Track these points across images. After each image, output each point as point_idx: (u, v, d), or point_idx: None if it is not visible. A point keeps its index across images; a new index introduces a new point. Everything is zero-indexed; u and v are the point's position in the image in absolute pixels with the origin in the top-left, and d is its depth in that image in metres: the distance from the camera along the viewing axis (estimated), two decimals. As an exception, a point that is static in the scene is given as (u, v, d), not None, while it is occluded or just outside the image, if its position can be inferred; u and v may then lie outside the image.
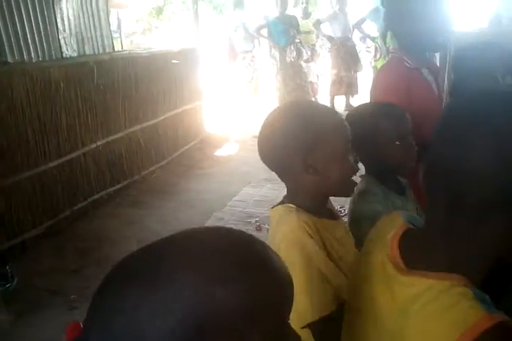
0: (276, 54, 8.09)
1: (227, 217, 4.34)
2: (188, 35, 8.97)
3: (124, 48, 9.66)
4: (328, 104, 8.05)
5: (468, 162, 0.69)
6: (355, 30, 7.85)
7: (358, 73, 8.04)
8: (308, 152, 1.16)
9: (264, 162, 1.24)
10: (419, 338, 0.70)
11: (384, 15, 2.08)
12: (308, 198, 1.22)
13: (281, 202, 1.25)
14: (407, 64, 1.88)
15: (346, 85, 7.96)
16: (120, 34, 10.91)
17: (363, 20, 7.72)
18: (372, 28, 7.90)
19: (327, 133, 1.18)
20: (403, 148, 1.49)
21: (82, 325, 2.06)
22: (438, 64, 6.10)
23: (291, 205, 1.20)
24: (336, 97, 8.25)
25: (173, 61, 6.18)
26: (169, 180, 5.38)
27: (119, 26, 11.07)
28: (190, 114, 6.58)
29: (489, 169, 0.68)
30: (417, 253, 0.77)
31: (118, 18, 11.16)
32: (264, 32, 8.28)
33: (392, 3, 1.98)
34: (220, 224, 4.19)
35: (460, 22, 7.07)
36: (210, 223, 4.21)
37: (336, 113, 1.27)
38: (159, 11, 16.45)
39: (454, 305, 0.68)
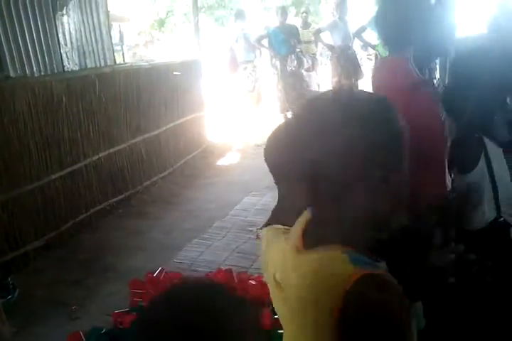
0: (277, 63, 8.15)
1: (228, 225, 4.36)
2: (189, 47, 9.05)
3: (126, 61, 9.76)
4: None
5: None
6: (356, 38, 7.89)
7: (358, 81, 8.07)
8: (385, 167, 0.87)
9: (286, 179, 0.93)
10: (314, 301, 0.82)
11: (384, 25, 2.09)
12: (357, 234, 0.90)
13: (313, 241, 0.89)
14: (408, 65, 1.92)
15: (347, 93, 7.99)
16: (122, 47, 11.02)
17: (363, 29, 7.75)
18: (373, 36, 7.95)
19: (379, 144, 0.87)
20: None
21: (82, 335, 2.09)
22: (438, 69, 6.15)
23: (340, 250, 0.87)
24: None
25: (174, 73, 6.24)
26: (172, 190, 5.41)
27: (121, 39, 11.18)
28: (192, 124, 6.64)
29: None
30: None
31: (120, 31, 11.28)
32: (265, 42, 8.34)
33: (397, 11, 2.02)
34: (222, 232, 4.22)
35: (459, 27, 7.10)
36: (211, 232, 4.23)
37: (389, 106, 0.93)
38: (161, 23, 16.60)
39: (333, 268, 0.82)
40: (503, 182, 2.03)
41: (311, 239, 0.88)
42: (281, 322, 0.98)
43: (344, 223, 0.86)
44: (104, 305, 3.14)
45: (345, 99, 0.88)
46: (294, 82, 8.17)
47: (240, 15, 8.54)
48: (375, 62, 8.01)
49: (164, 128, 5.92)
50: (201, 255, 3.79)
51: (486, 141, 2.06)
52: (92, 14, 5.56)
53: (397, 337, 0.79)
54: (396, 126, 0.88)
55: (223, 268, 3.18)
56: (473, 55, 2.69)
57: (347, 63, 7.85)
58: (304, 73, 8.32)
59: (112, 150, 4.94)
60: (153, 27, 16.68)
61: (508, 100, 2.87)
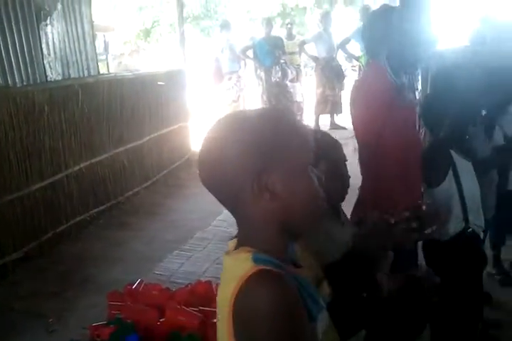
0: (262, 74, 8.22)
1: (209, 236, 4.35)
2: (175, 57, 9.07)
3: (112, 70, 9.74)
4: (314, 123, 8.15)
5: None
6: (340, 50, 7.98)
7: (342, 92, 8.14)
8: (263, 171, 0.90)
9: (207, 188, 0.97)
10: (223, 299, 0.89)
11: (367, 35, 2.18)
12: (268, 237, 0.93)
13: (237, 244, 0.96)
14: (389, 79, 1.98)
15: (331, 104, 8.07)
16: (107, 56, 11.00)
17: (347, 41, 7.85)
18: (357, 48, 8.04)
19: (286, 143, 0.91)
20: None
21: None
22: (420, 81, 6.24)
23: (249, 252, 0.91)
24: (321, 116, 8.34)
25: (158, 83, 6.25)
26: (154, 200, 5.40)
27: (105, 48, 11.17)
28: (175, 134, 6.63)
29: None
30: (237, 241, 0.97)
31: (105, 40, 11.28)
32: (250, 53, 8.41)
33: (376, 24, 2.10)
34: (203, 243, 4.21)
35: (442, 40, 7.21)
36: (192, 243, 4.22)
37: (287, 116, 0.98)
38: (147, 33, 16.64)
39: (237, 267, 0.88)
40: (472, 195, 2.08)
41: (236, 244, 0.97)
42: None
43: (251, 229, 0.93)
44: (82, 318, 3.11)
45: (239, 116, 0.98)
46: (278, 92, 8.24)
47: (225, 26, 8.61)
48: (359, 73, 8.11)
49: (147, 138, 5.92)
50: (181, 266, 3.78)
51: (455, 156, 2.10)
52: (76, 24, 5.56)
53: (278, 331, 0.81)
54: (284, 136, 0.91)
55: (203, 279, 3.16)
56: (457, 68, 2.75)
57: (331, 74, 7.95)
58: (289, 84, 8.39)
59: (93, 161, 4.92)
60: (138, 37, 16.70)
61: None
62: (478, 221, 2.15)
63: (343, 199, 1.61)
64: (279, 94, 8.16)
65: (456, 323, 2.24)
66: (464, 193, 2.09)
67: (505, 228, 3.47)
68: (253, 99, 8.79)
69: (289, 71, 8.29)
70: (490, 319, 2.83)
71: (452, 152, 2.14)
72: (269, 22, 8.46)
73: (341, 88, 8.16)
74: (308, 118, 8.33)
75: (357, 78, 7.91)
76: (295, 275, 0.91)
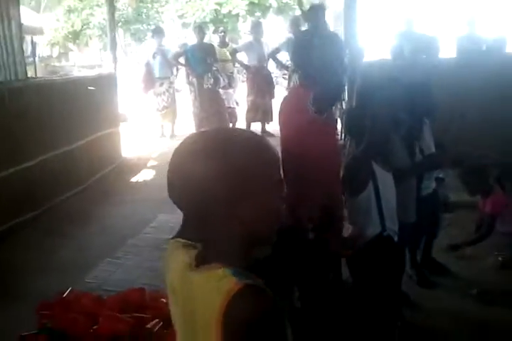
0: (194, 81, 8.28)
1: (141, 244, 4.36)
2: (105, 61, 8.96)
3: (38, 73, 9.48)
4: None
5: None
6: (270, 59, 8.19)
7: (273, 100, 8.34)
8: (234, 200, 0.94)
9: (176, 204, 1.01)
10: (204, 312, 0.94)
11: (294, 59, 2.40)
12: (237, 254, 0.98)
13: (201, 260, 1.00)
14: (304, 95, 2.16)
15: (262, 112, 8.24)
16: (34, 59, 10.69)
17: (277, 50, 8.07)
18: (287, 57, 8.28)
19: (259, 177, 0.96)
20: None
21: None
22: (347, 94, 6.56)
23: (223, 268, 0.95)
24: (252, 124, 8.50)
25: (88, 87, 6.18)
26: (84, 207, 5.32)
27: (33, 51, 10.85)
28: (106, 140, 6.58)
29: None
30: (200, 256, 1.01)
31: (32, 42, 10.95)
32: (182, 59, 8.46)
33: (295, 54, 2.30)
34: (135, 251, 4.22)
35: (369, 53, 7.58)
36: (124, 251, 4.22)
37: (264, 143, 1.02)
38: (76, 35, 16.26)
39: (217, 282, 0.93)
40: (388, 203, 2.28)
41: (200, 259, 1.00)
42: (175, 324, 1.09)
43: (219, 247, 0.98)
44: (6, 331, 3.03)
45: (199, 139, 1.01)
46: (210, 99, 8.33)
47: (157, 31, 8.63)
48: (289, 82, 8.34)
49: (77, 143, 5.84)
50: (113, 274, 3.78)
51: (375, 166, 2.28)
52: (3, 26, 5.41)
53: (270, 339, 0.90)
54: (238, 161, 0.94)
55: (136, 287, 3.19)
56: (378, 84, 2.96)
57: (262, 83, 8.13)
58: (221, 91, 8.50)
59: (22, 166, 4.81)
60: (67, 39, 16.29)
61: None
62: (393, 226, 2.36)
63: None
64: (211, 101, 8.25)
65: (375, 322, 2.43)
66: (382, 201, 2.27)
67: (419, 232, 3.73)
68: (185, 105, 8.84)
69: (221, 78, 8.41)
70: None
71: (373, 162, 2.32)
72: (201, 29, 8.55)
73: (272, 96, 8.35)
74: (240, 125, 8.48)
75: (286, 93, 8.15)
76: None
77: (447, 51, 7.57)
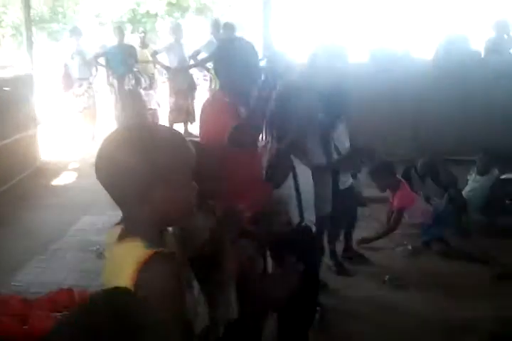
0: (115, 82, 8.23)
1: (65, 246, 4.33)
2: (20, 61, 8.69)
3: None
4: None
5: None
6: (191, 60, 8.28)
7: (195, 101, 8.44)
8: (147, 186, 1.11)
9: (104, 188, 1.17)
10: (119, 278, 1.07)
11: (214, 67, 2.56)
12: (149, 229, 1.15)
13: (122, 234, 1.17)
14: (226, 99, 2.31)
15: (185, 113, 8.31)
16: None
17: (198, 52, 8.18)
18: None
19: (168, 168, 1.12)
20: None
21: None
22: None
23: (139, 241, 1.12)
24: (175, 124, 8.55)
25: (3, 88, 6.01)
26: (3, 212, 5.17)
27: None
28: (24, 142, 6.41)
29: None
30: (124, 232, 1.18)
31: None
32: (102, 60, 8.37)
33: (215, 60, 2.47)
34: (60, 253, 4.19)
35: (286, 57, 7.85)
36: (48, 253, 4.18)
37: (181, 140, 1.18)
38: (-13, 33, 15.55)
39: (131, 251, 1.11)
40: (307, 196, 2.51)
41: (123, 234, 1.17)
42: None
43: (136, 224, 1.16)
44: None
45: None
46: (132, 100, 8.28)
47: (75, 31, 8.47)
48: (210, 83, 8.48)
49: (-7, 146, 5.66)
50: (39, 276, 3.74)
51: (296, 161, 2.49)
52: None
53: (169, 297, 1.06)
54: (154, 152, 1.12)
55: (63, 287, 3.20)
56: (294, 89, 3.19)
57: (183, 84, 8.21)
58: (142, 92, 8.48)
59: None
60: (-23, 38, 15.54)
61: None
62: (310, 216, 2.58)
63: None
64: (133, 102, 8.21)
65: (295, 309, 2.62)
66: (301, 194, 2.49)
67: (338, 224, 3.99)
68: (105, 106, 8.74)
69: (143, 79, 8.41)
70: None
71: (293, 158, 2.52)
72: (120, 30, 8.50)
73: (193, 97, 8.45)
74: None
75: (207, 95, 8.30)
76: None
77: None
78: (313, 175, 2.74)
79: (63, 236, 4.55)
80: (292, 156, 2.58)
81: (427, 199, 4.70)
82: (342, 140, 3.74)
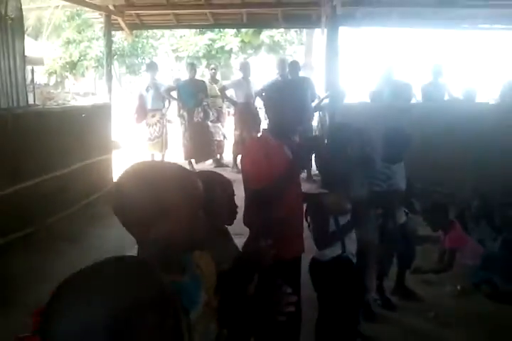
0: (185, 114, 8.73)
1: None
2: (99, 90, 9.38)
3: (37, 100, 9.86)
4: (232, 163, 8.70)
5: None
6: (257, 97, 8.65)
7: (259, 134, 8.74)
8: (150, 221, 1.21)
9: (116, 216, 1.27)
10: None
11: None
12: (156, 254, 1.26)
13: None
14: (270, 141, 2.50)
15: (248, 145, 8.63)
16: (33, 87, 11.11)
17: (263, 90, 8.55)
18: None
19: (170, 203, 1.21)
20: None
21: None
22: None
23: None
24: (238, 156, 8.89)
25: (82, 115, 6.55)
26: (75, 227, 5.60)
27: (32, 79, 11.28)
28: (99, 165, 6.91)
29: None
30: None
31: (32, 70, 11.39)
32: (174, 94, 8.92)
33: (267, 100, 2.66)
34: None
35: (347, 95, 8.08)
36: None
37: (187, 177, 1.28)
38: (73, 65, 16.77)
39: None
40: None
41: None
42: None
43: (145, 252, 1.30)
44: (8, 332, 3.29)
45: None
46: (199, 131, 8.76)
47: (151, 66, 9.09)
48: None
49: (71, 168, 6.16)
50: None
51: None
52: (8, 58, 5.82)
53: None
54: (158, 190, 1.20)
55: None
56: (343, 126, 3.40)
57: (248, 118, 8.57)
58: (210, 124, 8.94)
59: (18, 187, 5.11)
60: (64, 68, 16.78)
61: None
62: (352, 249, 2.73)
63: (230, 223, 2.07)
64: (200, 134, 8.68)
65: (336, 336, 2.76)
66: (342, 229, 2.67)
67: (387, 261, 4.09)
68: (175, 136, 9.24)
69: (211, 113, 8.87)
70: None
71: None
72: (192, 67, 9.06)
73: (258, 131, 8.78)
74: (227, 157, 8.89)
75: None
76: (175, 282, 1.22)
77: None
78: (353, 208, 2.87)
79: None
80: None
81: (480, 242, 4.71)
82: (397, 180, 3.87)
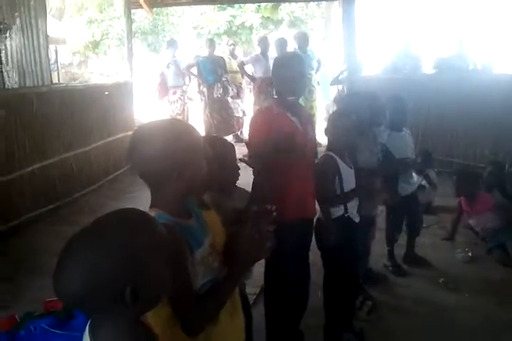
0: (205, 90, 8.83)
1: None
2: (122, 69, 9.53)
3: (61, 79, 10.09)
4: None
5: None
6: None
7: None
8: (180, 168, 1.44)
9: (137, 172, 1.48)
10: None
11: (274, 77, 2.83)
12: (174, 201, 1.49)
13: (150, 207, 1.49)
14: (274, 110, 2.63)
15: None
16: (57, 66, 11.32)
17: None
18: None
19: (192, 154, 1.46)
20: None
21: (17, 317, 2.63)
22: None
23: (158, 210, 1.47)
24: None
25: (105, 93, 6.73)
26: (99, 201, 5.84)
27: (56, 59, 11.49)
28: (122, 142, 7.10)
29: None
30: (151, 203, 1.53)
31: (55, 50, 11.58)
32: (194, 70, 9.01)
33: (274, 70, 2.77)
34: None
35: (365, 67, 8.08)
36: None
37: (198, 137, 1.52)
38: (95, 44, 16.94)
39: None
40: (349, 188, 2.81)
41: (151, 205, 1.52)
42: None
43: (160, 197, 1.50)
44: (35, 297, 3.54)
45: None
46: (219, 107, 8.87)
47: (171, 43, 9.17)
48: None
49: (95, 144, 6.38)
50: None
51: (341, 164, 2.80)
52: (32, 37, 6.01)
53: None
54: (190, 150, 1.47)
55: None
56: (355, 95, 3.50)
57: (267, 93, 8.62)
58: (230, 100, 9.03)
59: (44, 163, 5.34)
60: (87, 48, 16.97)
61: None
62: (354, 211, 2.87)
63: (233, 183, 2.27)
64: (220, 109, 8.79)
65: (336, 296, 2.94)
66: (345, 191, 2.79)
67: (396, 228, 4.20)
68: (196, 112, 9.38)
69: (230, 88, 8.94)
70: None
71: (339, 160, 2.82)
72: (212, 43, 9.11)
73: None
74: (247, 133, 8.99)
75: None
76: (183, 224, 1.49)
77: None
78: (359, 177, 2.98)
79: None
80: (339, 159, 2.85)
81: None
82: (404, 147, 3.96)
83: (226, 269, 1.58)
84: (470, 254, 4.41)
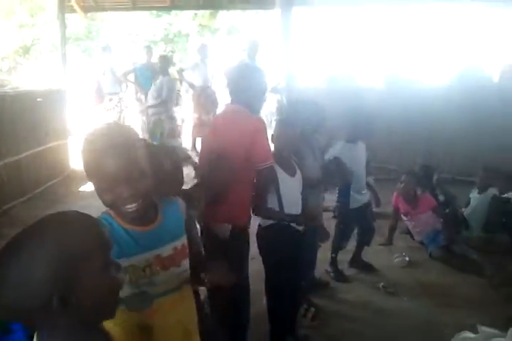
0: (142, 97, 8.67)
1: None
2: (55, 76, 9.23)
3: (-12, 86, 9.61)
4: (191, 146, 8.73)
5: None
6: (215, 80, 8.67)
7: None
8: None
9: None
10: None
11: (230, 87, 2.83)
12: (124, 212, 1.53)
13: None
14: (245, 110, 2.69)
15: (207, 128, 8.64)
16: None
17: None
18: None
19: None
20: None
21: None
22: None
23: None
24: (197, 139, 8.92)
25: (38, 99, 6.46)
26: (31, 214, 5.57)
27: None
28: (54, 151, 6.86)
29: None
30: None
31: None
32: (131, 77, 8.85)
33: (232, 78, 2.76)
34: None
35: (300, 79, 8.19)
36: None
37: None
38: (26, 50, 16.28)
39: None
40: (289, 200, 2.83)
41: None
42: None
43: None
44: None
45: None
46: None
47: (106, 48, 8.98)
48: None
49: (25, 153, 6.10)
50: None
51: (281, 173, 2.82)
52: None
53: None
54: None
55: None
56: (298, 103, 3.54)
57: (206, 101, 8.58)
58: (168, 108, 8.89)
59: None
60: (17, 53, 16.28)
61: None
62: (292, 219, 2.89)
63: (177, 193, 2.14)
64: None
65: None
66: (282, 198, 2.81)
67: (345, 237, 4.25)
68: (133, 119, 9.19)
69: (168, 96, 8.81)
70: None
71: (279, 169, 2.82)
72: (149, 49, 9.00)
73: (215, 114, 8.80)
74: (186, 140, 8.92)
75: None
76: (126, 229, 1.54)
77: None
78: (305, 185, 3.01)
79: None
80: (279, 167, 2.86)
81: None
82: (359, 158, 4.04)
83: (165, 286, 1.60)
84: (407, 259, 4.52)
